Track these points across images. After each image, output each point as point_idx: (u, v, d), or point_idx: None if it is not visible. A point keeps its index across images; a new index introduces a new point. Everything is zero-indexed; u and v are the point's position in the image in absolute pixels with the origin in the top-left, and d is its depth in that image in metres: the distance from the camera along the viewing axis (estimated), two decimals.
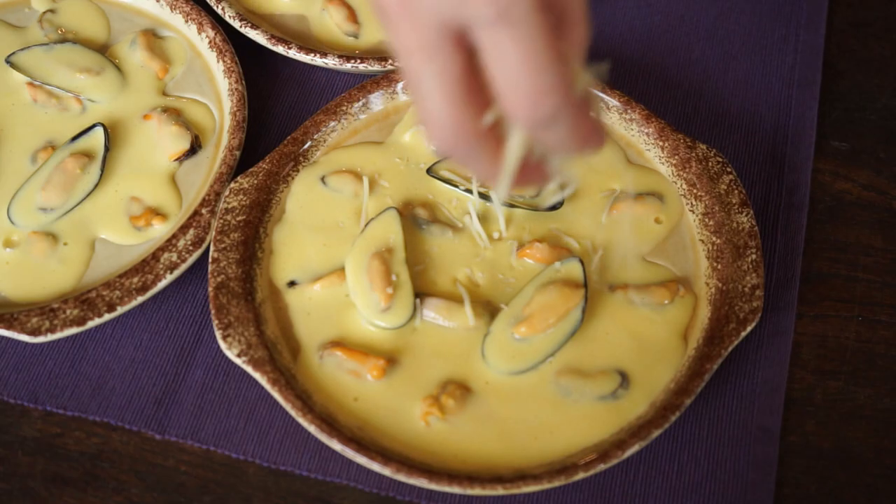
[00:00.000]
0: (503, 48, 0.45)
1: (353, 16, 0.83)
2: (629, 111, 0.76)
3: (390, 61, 0.78)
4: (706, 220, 0.72)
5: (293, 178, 0.74)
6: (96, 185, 0.74)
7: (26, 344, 0.70)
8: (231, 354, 0.65)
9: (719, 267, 0.70)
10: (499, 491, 0.61)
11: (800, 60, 0.83)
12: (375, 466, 0.62)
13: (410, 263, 0.69)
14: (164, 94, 0.80)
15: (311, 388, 0.66)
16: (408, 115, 0.77)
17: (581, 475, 0.61)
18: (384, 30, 0.48)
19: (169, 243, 0.71)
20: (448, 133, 0.48)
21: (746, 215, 0.71)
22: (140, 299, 0.69)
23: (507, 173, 0.51)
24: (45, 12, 0.83)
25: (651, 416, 0.64)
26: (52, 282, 0.71)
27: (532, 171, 0.52)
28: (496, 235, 0.72)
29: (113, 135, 0.77)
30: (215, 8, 0.82)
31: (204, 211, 0.72)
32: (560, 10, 0.48)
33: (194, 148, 0.76)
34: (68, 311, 0.68)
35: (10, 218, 0.73)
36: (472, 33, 0.46)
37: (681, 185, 0.74)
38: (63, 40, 0.81)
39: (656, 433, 0.62)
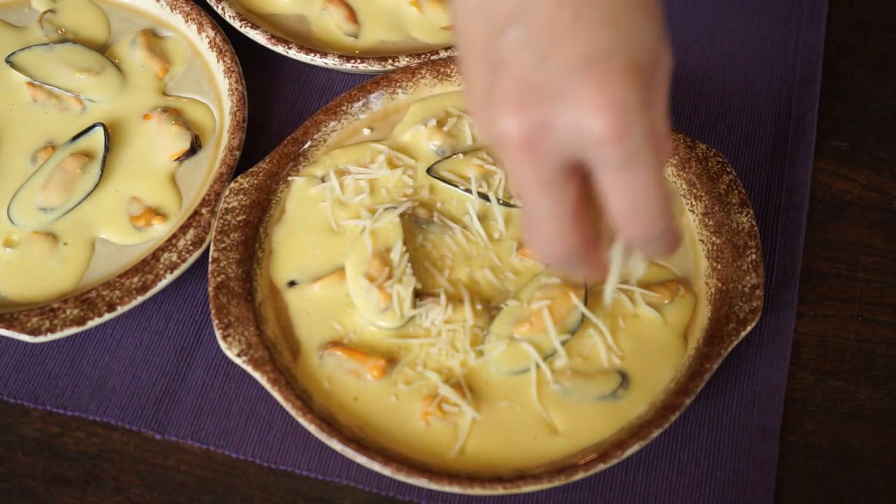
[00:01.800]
0: (626, 186, 0.49)
1: (353, 16, 0.83)
2: None
3: (390, 61, 0.78)
4: (706, 219, 0.72)
5: (293, 179, 0.74)
6: (96, 185, 0.74)
7: (26, 344, 0.70)
8: (231, 354, 0.65)
9: (719, 267, 0.70)
10: (499, 491, 0.61)
11: (800, 60, 0.83)
12: (375, 466, 0.62)
13: (411, 263, 0.69)
14: (164, 94, 0.80)
15: (311, 388, 0.66)
16: (408, 115, 0.77)
17: (581, 475, 0.61)
18: (502, 159, 0.51)
19: (169, 243, 0.71)
20: (556, 254, 0.52)
21: (746, 215, 0.71)
22: (140, 299, 0.69)
23: (614, 278, 0.57)
24: (45, 12, 0.83)
25: (651, 416, 0.64)
26: (52, 282, 0.71)
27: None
28: (496, 235, 0.72)
29: (113, 135, 0.77)
30: (215, 8, 0.82)
31: (204, 211, 0.72)
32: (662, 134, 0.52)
33: (194, 148, 0.76)
34: (68, 311, 0.68)
35: (10, 218, 0.73)
36: (591, 168, 0.49)
37: (681, 185, 0.74)
38: (63, 40, 0.81)
39: (656, 433, 0.62)
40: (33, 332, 0.67)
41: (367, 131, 0.77)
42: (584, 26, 0.47)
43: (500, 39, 0.49)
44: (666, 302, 0.69)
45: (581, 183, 0.51)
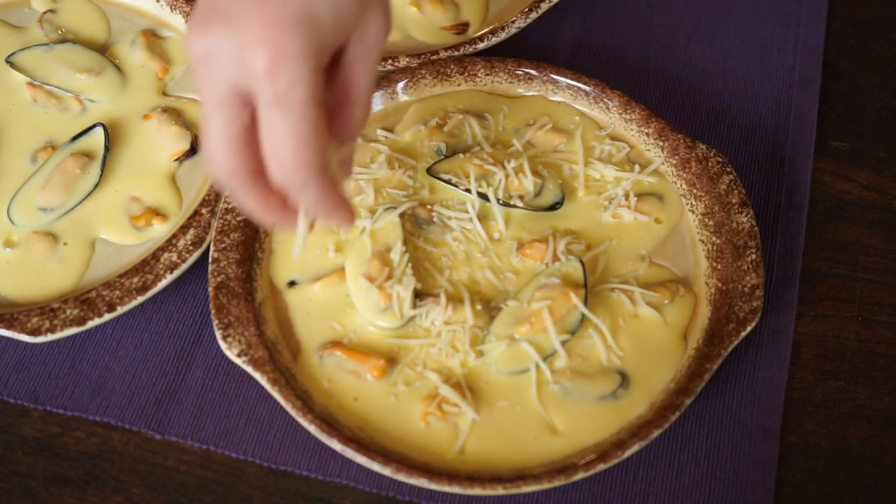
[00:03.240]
0: (273, 124, 0.52)
1: None
2: (629, 111, 0.76)
3: (390, 61, 0.78)
4: (706, 220, 0.72)
5: None
6: (96, 185, 0.74)
7: (26, 344, 0.70)
8: (231, 354, 0.65)
9: (719, 267, 0.70)
10: (499, 491, 0.61)
11: (800, 60, 0.83)
12: (375, 466, 0.62)
13: (411, 263, 0.69)
14: (164, 94, 0.80)
15: (311, 388, 0.66)
16: (408, 115, 0.77)
17: (581, 475, 0.61)
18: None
19: (169, 243, 0.71)
20: (223, 173, 0.55)
21: (746, 215, 0.71)
22: (140, 299, 0.69)
23: (301, 229, 0.60)
24: (45, 12, 0.83)
25: (651, 416, 0.64)
26: (52, 282, 0.71)
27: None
28: (496, 235, 0.72)
29: (113, 135, 0.77)
30: None
31: (204, 211, 0.72)
32: (344, 89, 0.56)
33: (194, 148, 0.76)
34: (68, 311, 0.68)
35: (10, 218, 0.73)
36: (253, 101, 0.53)
37: (681, 185, 0.74)
38: (63, 40, 0.81)
39: (656, 433, 0.62)
40: (33, 332, 0.67)
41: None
42: None
43: None
44: (666, 302, 0.69)
45: (253, 114, 0.54)
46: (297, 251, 0.64)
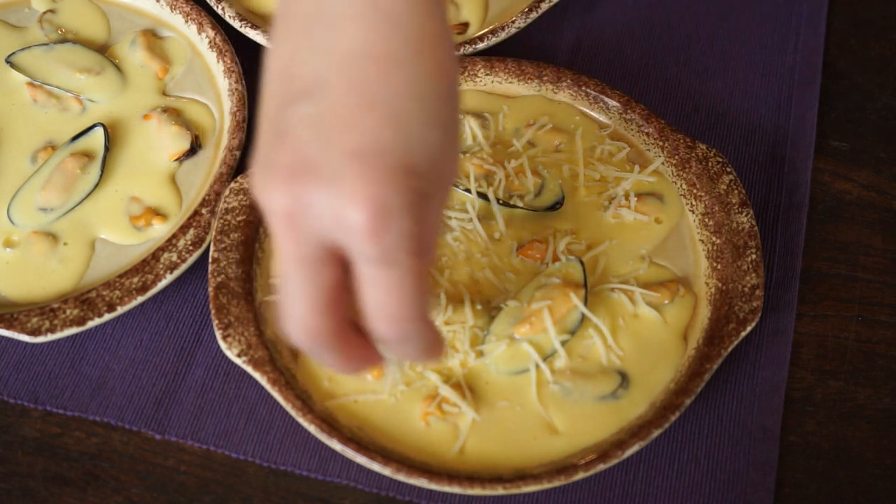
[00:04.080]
0: (377, 282, 0.49)
1: None
2: (629, 111, 0.76)
3: None
4: (706, 220, 0.72)
5: None
6: (96, 185, 0.74)
7: (26, 344, 0.70)
8: (231, 354, 0.66)
9: (719, 267, 0.70)
10: (499, 491, 0.61)
11: (800, 60, 0.83)
12: (375, 466, 0.62)
13: None
14: (164, 94, 0.80)
15: (311, 388, 0.66)
16: None
17: (581, 475, 0.61)
18: (270, 230, 0.51)
19: (169, 243, 0.71)
20: (305, 335, 0.52)
21: (746, 215, 0.71)
22: (140, 299, 0.69)
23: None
24: (45, 12, 0.83)
25: (651, 416, 0.64)
26: (52, 282, 0.71)
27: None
28: (496, 235, 0.72)
29: (113, 135, 0.77)
30: (215, 8, 0.82)
31: (204, 211, 0.72)
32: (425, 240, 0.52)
33: (194, 148, 0.76)
34: (68, 311, 0.68)
35: (10, 218, 0.73)
36: (349, 257, 0.50)
37: (681, 185, 0.74)
38: (63, 40, 0.81)
39: (656, 433, 0.62)
40: (33, 332, 0.67)
41: None
42: (370, 118, 0.48)
43: (291, 109, 0.50)
44: (666, 302, 0.69)
45: (343, 271, 0.51)
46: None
